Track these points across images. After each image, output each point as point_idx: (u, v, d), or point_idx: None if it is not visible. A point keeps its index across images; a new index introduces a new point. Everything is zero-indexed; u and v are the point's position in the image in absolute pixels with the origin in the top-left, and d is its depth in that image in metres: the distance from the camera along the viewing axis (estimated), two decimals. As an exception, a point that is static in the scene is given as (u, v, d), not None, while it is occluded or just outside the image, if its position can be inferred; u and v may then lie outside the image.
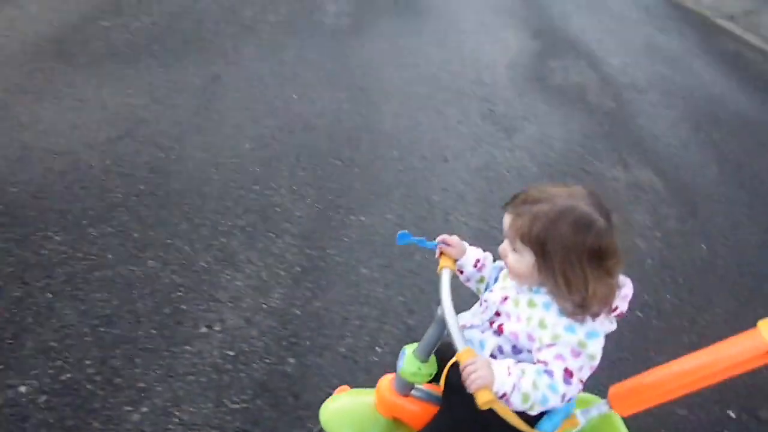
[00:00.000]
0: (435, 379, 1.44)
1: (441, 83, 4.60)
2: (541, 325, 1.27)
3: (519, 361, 1.28)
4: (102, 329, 2.22)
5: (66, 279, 2.39)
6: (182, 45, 4.32)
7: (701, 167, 4.12)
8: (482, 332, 1.38)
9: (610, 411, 1.32)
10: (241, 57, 4.37)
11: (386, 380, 1.55)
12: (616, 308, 1.28)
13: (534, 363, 1.26)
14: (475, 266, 1.48)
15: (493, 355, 1.34)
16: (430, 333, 1.39)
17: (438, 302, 1.34)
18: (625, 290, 1.30)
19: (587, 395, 1.51)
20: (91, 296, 2.34)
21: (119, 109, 3.48)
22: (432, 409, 1.52)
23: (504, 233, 1.31)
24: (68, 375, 2.05)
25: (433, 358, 1.43)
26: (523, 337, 1.30)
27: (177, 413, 2.00)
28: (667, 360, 1.26)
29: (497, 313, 1.36)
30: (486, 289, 1.48)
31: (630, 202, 3.56)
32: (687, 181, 3.90)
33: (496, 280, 1.47)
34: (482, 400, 1.14)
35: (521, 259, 1.28)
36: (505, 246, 1.32)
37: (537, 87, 4.80)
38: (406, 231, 1.46)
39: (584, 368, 1.23)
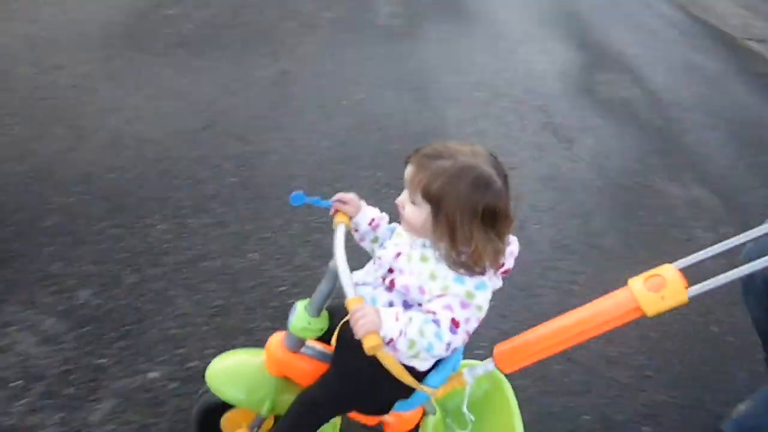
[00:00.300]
0: (327, 339, 1.47)
1: (498, 90, 4.68)
2: (432, 276, 1.28)
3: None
4: (218, 319, 2.28)
5: (176, 268, 2.45)
6: (247, 38, 4.37)
7: (752, 188, 4.23)
8: (374, 288, 1.38)
9: (495, 369, 1.39)
10: (305, 53, 4.43)
11: (276, 338, 1.53)
12: (503, 265, 1.32)
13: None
14: (370, 225, 1.49)
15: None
16: (322, 287, 1.39)
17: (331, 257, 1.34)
18: (512, 248, 1.35)
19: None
20: (202, 286, 2.40)
21: (197, 99, 3.53)
22: (322, 367, 1.52)
23: (404, 184, 1.30)
24: (193, 363, 2.10)
25: (324, 313, 1.44)
26: (414, 290, 1.31)
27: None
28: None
29: (390, 270, 1.36)
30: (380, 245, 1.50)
31: (689, 219, 3.66)
32: (741, 200, 4.01)
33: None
34: (369, 344, 1.16)
35: (418, 211, 1.28)
36: (403, 197, 1.32)
37: (588, 99, 4.89)
38: (300, 191, 1.42)
39: (471, 319, 1.26)
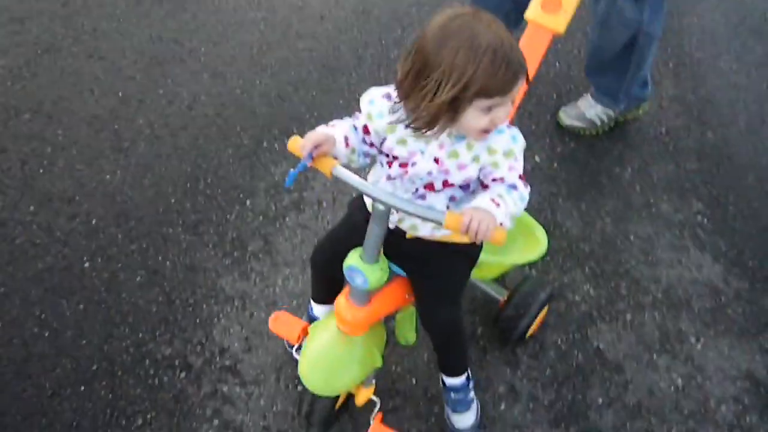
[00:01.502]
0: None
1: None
2: (490, 151, 1.34)
3: (472, 193, 1.42)
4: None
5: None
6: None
7: None
8: (419, 198, 1.41)
9: None
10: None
11: (345, 307, 1.50)
12: None
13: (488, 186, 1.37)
14: (347, 145, 1.40)
15: (447, 207, 1.42)
16: (374, 230, 1.37)
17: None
18: None
19: None
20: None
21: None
22: (402, 282, 1.60)
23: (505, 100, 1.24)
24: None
25: (381, 254, 1.44)
26: (474, 176, 1.37)
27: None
28: None
29: (429, 175, 1.37)
30: (359, 156, 1.44)
31: None
32: None
33: (365, 142, 1.43)
34: (501, 239, 1.21)
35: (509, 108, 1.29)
36: (508, 113, 1.28)
37: None
38: (291, 171, 1.32)
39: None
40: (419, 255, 1.53)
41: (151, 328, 2.02)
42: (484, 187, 1.39)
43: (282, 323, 1.81)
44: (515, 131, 1.36)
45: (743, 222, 2.52)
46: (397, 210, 1.31)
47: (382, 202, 1.30)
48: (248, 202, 2.42)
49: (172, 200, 2.40)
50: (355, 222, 1.57)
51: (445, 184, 1.39)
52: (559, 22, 1.64)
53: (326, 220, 2.37)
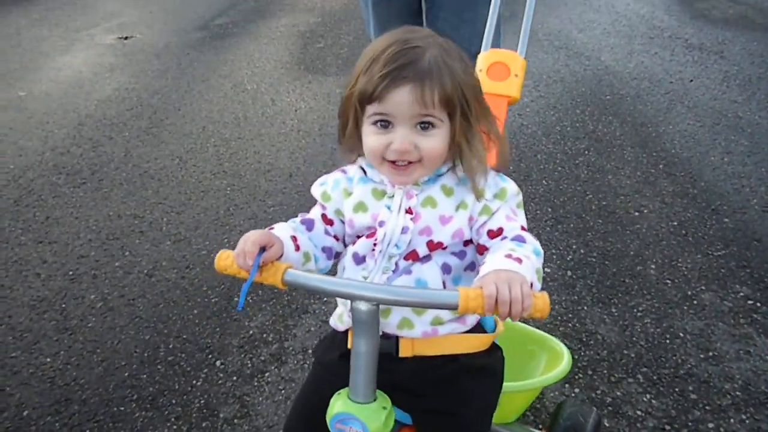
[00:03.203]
0: None
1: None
2: (476, 193, 1.03)
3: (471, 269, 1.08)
4: None
5: None
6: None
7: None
8: (398, 274, 1.04)
9: None
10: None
11: None
12: None
13: (479, 249, 1.05)
14: (297, 248, 1.05)
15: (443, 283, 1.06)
16: (362, 351, 0.97)
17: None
18: None
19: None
20: None
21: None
22: None
23: (397, 118, 0.98)
24: None
25: (378, 392, 1.01)
26: (465, 230, 1.04)
27: None
28: None
29: (405, 234, 1.04)
30: (316, 259, 1.08)
31: None
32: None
33: (328, 234, 1.11)
34: (544, 305, 0.85)
35: (441, 133, 1.00)
36: (408, 137, 0.98)
37: None
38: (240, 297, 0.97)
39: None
40: (425, 382, 1.09)
41: None
42: (481, 253, 1.05)
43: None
44: (503, 177, 1.08)
45: (802, 300, 2.14)
46: (385, 303, 0.94)
47: (363, 298, 0.92)
48: (218, 363, 2.01)
49: (126, 374, 1.98)
50: (327, 365, 1.16)
51: (431, 246, 1.03)
52: (511, 88, 1.47)
53: (314, 369, 1.95)
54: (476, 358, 1.09)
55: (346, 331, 1.11)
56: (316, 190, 1.13)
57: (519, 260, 0.92)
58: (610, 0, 5.70)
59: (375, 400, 0.99)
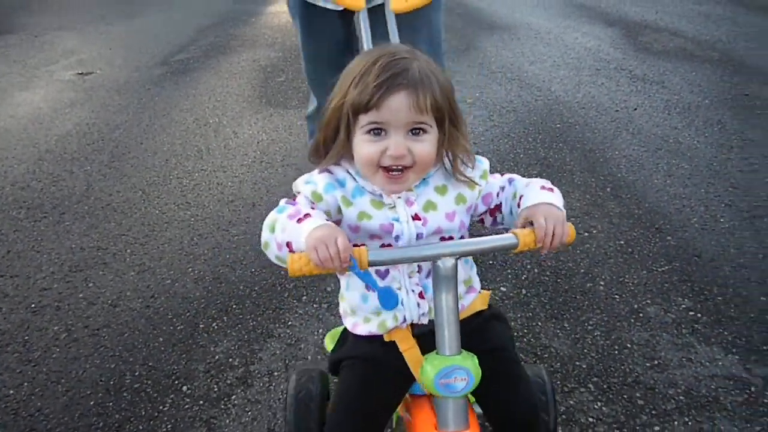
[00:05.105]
0: None
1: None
2: (468, 184, 1.19)
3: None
4: None
5: None
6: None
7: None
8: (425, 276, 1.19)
9: None
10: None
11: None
12: None
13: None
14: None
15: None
16: (445, 305, 1.09)
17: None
18: None
19: None
20: None
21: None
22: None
23: (391, 125, 1.06)
24: None
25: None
26: (466, 219, 1.22)
27: None
28: None
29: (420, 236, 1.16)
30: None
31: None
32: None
33: None
34: (574, 234, 1.10)
35: (431, 138, 1.10)
36: (400, 140, 1.06)
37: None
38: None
39: None
40: (466, 336, 1.15)
41: None
42: (492, 213, 1.25)
43: None
44: (478, 158, 1.24)
45: (739, 309, 2.28)
46: (464, 255, 1.12)
47: (446, 255, 1.05)
48: (185, 388, 2.03)
49: (91, 402, 1.99)
50: (374, 358, 1.23)
51: (444, 240, 1.18)
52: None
53: (280, 390, 1.99)
54: (489, 310, 1.31)
55: (381, 337, 1.23)
56: (303, 187, 1.18)
57: (551, 190, 1.14)
58: (559, 34, 5.99)
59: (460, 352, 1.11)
